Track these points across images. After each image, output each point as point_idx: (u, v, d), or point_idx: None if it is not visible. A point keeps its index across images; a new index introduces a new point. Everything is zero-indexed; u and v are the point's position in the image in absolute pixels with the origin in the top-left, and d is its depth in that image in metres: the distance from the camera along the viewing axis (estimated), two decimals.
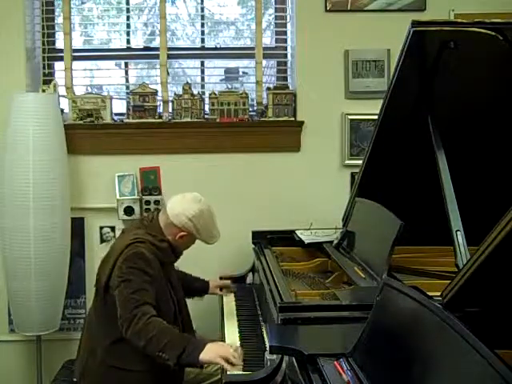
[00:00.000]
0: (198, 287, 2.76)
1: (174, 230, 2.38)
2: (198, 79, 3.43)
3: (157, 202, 3.18)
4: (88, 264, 3.23)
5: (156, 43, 3.33)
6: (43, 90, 3.14)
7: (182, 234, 2.37)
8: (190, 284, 2.71)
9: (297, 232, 2.90)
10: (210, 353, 2.01)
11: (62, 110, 3.17)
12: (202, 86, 3.41)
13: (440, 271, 2.21)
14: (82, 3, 3.43)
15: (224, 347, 2.06)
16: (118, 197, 3.16)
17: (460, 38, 1.97)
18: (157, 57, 3.25)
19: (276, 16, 3.39)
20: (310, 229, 2.92)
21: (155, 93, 3.23)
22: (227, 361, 1.97)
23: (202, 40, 3.41)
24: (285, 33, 3.38)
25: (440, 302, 1.42)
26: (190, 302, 2.62)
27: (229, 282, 2.85)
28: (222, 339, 2.36)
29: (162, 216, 2.40)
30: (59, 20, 3.27)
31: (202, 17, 3.40)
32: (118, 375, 2.27)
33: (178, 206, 2.39)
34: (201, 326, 3.05)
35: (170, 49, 3.27)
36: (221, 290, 2.81)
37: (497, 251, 1.28)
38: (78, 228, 3.19)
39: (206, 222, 2.39)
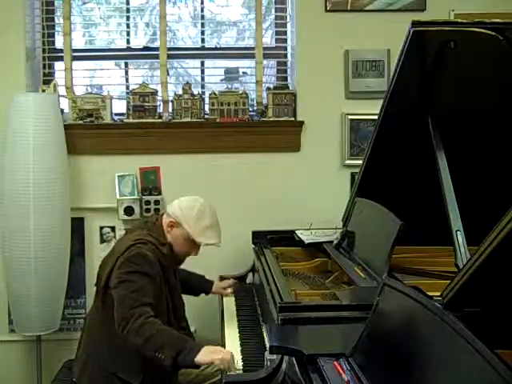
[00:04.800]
0: (201, 287, 2.78)
1: (167, 220, 2.39)
2: (198, 79, 3.44)
3: (157, 202, 3.18)
4: (88, 264, 3.23)
5: (157, 44, 3.32)
6: (43, 90, 3.15)
7: (170, 220, 2.37)
8: (193, 283, 2.73)
9: (297, 232, 2.90)
10: (205, 355, 1.99)
11: (62, 110, 3.17)
12: (202, 86, 3.41)
13: (440, 271, 2.21)
14: (83, 3, 3.43)
15: (219, 351, 2.03)
16: (118, 197, 3.16)
17: (460, 38, 1.97)
18: (157, 57, 3.25)
19: (276, 16, 3.39)
20: (310, 229, 2.92)
21: (155, 93, 3.22)
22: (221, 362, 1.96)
23: (203, 40, 3.41)
24: (285, 33, 3.38)
25: (440, 301, 1.43)
26: (189, 302, 2.63)
27: (231, 281, 2.85)
28: (222, 339, 2.36)
29: (164, 217, 2.42)
30: (59, 20, 3.27)
31: (203, 17, 3.40)
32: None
33: (176, 201, 2.44)
34: (201, 326, 3.06)
35: (170, 49, 3.26)
36: (224, 289, 2.81)
37: (497, 251, 1.28)
38: (77, 228, 3.19)
39: (200, 217, 2.37)
